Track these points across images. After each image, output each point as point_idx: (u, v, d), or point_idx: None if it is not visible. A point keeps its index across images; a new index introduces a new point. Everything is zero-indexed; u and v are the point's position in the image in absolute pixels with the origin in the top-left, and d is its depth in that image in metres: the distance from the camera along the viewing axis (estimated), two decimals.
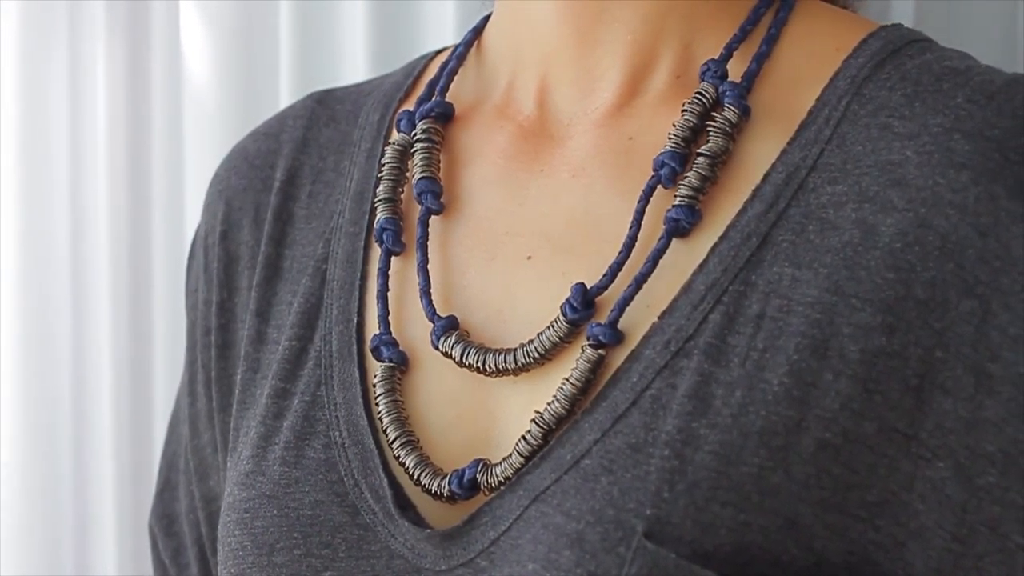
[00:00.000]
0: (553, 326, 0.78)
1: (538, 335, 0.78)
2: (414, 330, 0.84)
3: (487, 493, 0.77)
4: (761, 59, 0.81)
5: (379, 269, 0.85)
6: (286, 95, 1.23)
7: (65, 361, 1.38)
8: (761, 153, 0.78)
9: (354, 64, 1.22)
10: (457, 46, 0.93)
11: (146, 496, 1.37)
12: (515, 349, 0.79)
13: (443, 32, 1.18)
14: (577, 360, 0.76)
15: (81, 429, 1.39)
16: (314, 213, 0.91)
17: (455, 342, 0.80)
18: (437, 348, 0.81)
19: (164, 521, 1.00)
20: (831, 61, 0.80)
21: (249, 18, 1.28)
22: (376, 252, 0.87)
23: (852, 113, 0.77)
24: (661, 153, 0.79)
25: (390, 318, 0.84)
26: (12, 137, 1.34)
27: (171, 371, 1.34)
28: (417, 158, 0.87)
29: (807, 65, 0.81)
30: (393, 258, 0.86)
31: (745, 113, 0.79)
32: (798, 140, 0.77)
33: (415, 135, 0.88)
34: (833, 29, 0.82)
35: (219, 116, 1.29)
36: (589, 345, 0.76)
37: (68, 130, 1.37)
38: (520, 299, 0.81)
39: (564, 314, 0.78)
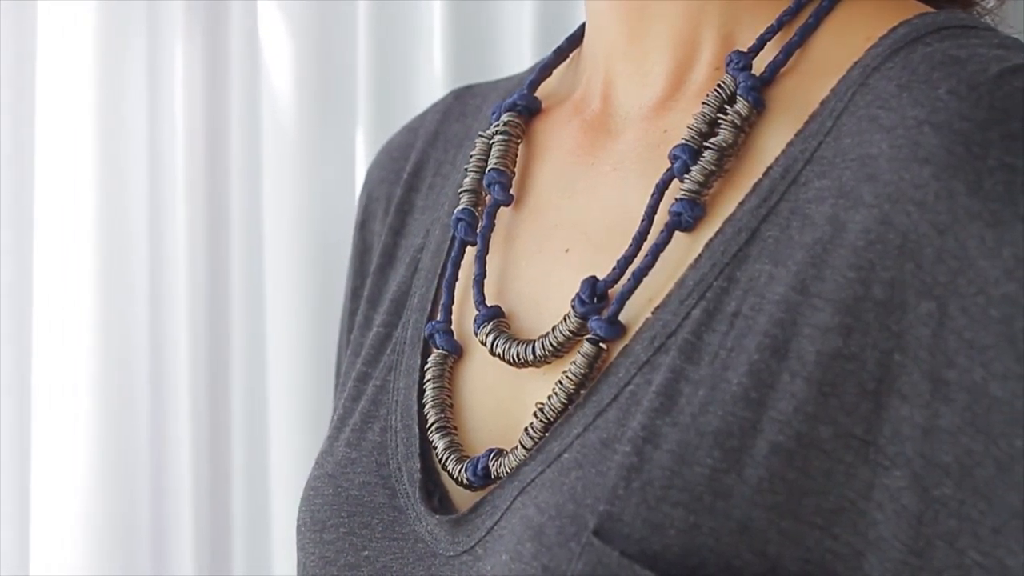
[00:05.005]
0: (566, 319, 0.79)
1: (553, 328, 0.80)
2: (471, 319, 0.87)
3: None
4: (791, 49, 0.79)
5: (451, 259, 0.88)
6: (363, 92, 1.25)
7: (142, 362, 1.42)
8: (771, 146, 0.77)
9: (430, 61, 1.23)
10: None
11: (224, 494, 1.41)
12: (534, 341, 0.80)
13: (520, 30, 1.18)
14: (577, 354, 0.78)
15: (159, 430, 1.43)
16: (428, 204, 0.96)
17: (489, 331, 0.83)
18: (477, 336, 0.84)
19: None
20: (857, 51, 0.77)
21: (327, 17, 1.30)
22: None
23: (853, 104, 0.74)
24: (675, 146, 0.79)
25: (453, 307, 0.87)
26: (90, 137, 1.40)
27: (248, 372, 1.37)
28: (493, 149, 0.90)
29: (835, 55, 0.78)
30: (469, 248, 0.89)
31: (757, 105, 0.77)
32: (803, 133, 0.75)
33: (496, 127, 0.91)
34: (873, 17, 0.78)
35: (296, 114, 1.31)
36: (588, 339, 0.77)
37: (146, 130, 1.40)
38: (554, 291, 0.83)
39: (573, 308, 0.79)
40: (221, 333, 1.44)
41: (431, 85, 1.24)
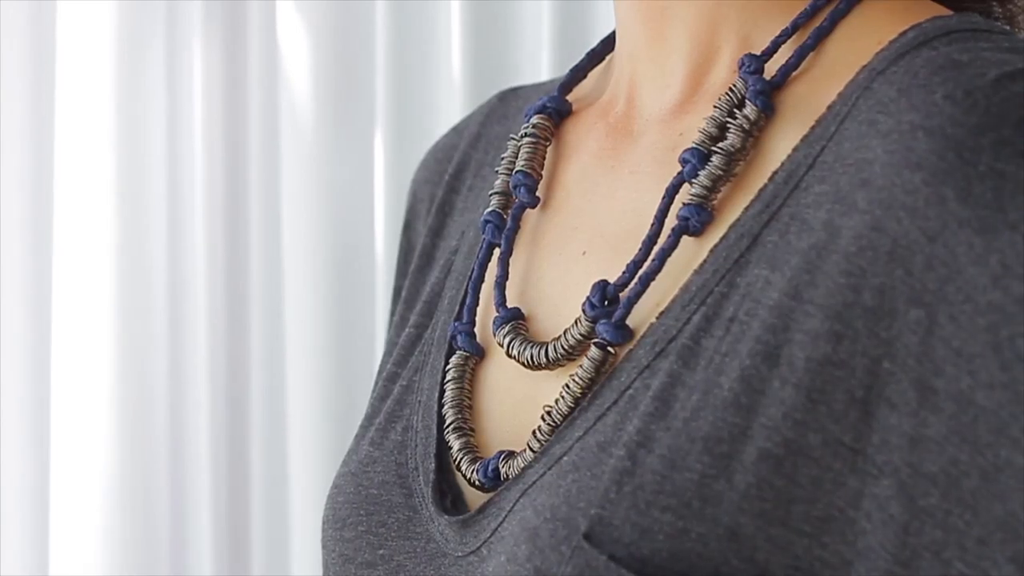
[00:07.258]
0: (577, 323, 0.79)
1: (564, 331, 0.80)
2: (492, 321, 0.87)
3: None
4: (804, 53, 0.78)
5: (478, 260, 0.89)
6: (381, 93, 1.25)
7: (161, 365, 1.42)
8: (779, 150, 0.76)
9: (448, 62, 1.22)
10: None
11: (243, 498, 1.41)
12: (547, 344, 0.81)
13: (538, 31, 1.17)
14: (584, 358, 0.78)
15: (178, 434, 1.43)
16: (467, 206, 0.96)
17: (507, 333, 0.83)
18: (495, 338, 0.84)
19: None
20: (867, 54, 0.76)
21: (345, 18, 1.30)
22: None
23: (856, 109, 0.73)
24: (685, 150, 0.78)
25: (479, 308, 0.88)
26: (109, 138, 1.40)
27: (266, 374, 1.37)
28: (521, 152, 0.90)
29: (846, 59, 0.77)
30: (496, 250, 0.89)
31: (766, 110, 0.77)
32: (808, 137, 0.75)
33: (525, 130, 0.91)
34: (887, 20, 0.77)
35: (315, 116, 1.30)
36: (595, 343, 0.77)
37: (165, 131, 1.40)
38: (571, 294, 0.83)
39: (584, 312, 0.79)
40: (240, 334, 1.45)
41: (449, 86, 1.24)
